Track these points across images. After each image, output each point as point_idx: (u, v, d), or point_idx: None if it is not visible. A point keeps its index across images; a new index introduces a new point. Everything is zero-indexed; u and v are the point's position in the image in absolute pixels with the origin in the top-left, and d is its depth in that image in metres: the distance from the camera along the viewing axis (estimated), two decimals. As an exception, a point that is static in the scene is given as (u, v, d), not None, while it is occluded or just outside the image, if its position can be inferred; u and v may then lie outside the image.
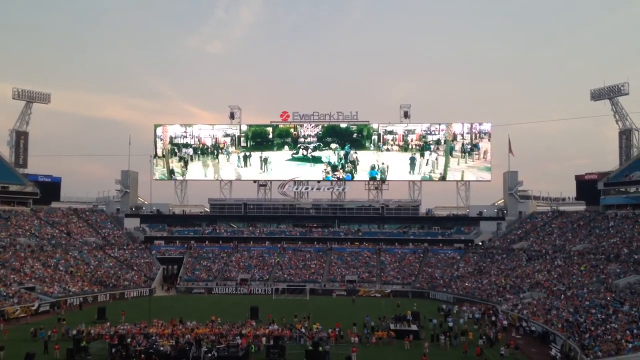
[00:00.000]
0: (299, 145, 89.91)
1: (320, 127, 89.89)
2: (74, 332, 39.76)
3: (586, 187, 78.75)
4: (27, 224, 77.19)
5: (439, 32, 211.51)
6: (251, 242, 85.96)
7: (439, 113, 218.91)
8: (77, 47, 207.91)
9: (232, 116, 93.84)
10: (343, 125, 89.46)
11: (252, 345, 36.73)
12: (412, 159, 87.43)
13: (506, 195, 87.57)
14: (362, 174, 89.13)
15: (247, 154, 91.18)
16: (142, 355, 33.36)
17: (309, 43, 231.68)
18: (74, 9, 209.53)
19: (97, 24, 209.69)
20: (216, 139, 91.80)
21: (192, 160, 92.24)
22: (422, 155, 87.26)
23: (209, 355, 33.25)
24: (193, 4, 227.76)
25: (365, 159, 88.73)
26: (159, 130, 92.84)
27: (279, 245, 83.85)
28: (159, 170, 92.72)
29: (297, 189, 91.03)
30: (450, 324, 45.11)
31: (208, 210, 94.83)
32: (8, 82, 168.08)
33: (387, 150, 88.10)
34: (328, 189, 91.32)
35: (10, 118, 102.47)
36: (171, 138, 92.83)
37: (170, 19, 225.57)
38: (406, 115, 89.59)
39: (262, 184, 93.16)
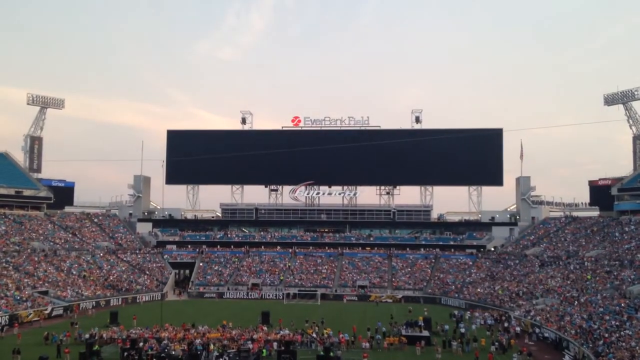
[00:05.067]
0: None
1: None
2: (87, 336, 40.00)
3: (600, 192, 78.00)
4: (41, 229, 78.03)
5: (448, 36, 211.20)
6: (262, 247, 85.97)
7: (450, 118, 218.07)
8: (91, 54, 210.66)
9: (243, 121, 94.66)
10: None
11: (264, 350, 36.77)
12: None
13: (519, 200, 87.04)
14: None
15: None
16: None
17: (319, 48, 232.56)
18: (87, 16, 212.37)
19: (110, 31, 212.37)
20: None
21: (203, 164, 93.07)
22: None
23: (221, 359, 33.35)
24: (204, 11, 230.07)
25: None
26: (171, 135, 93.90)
27: (290, 250, 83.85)
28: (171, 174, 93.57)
29: (308, 193, 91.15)
30: (463, 330, 44.82)
31: (219, 215, 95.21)
32: (23, 88, 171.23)
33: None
34: (339, 193, 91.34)
35: (25, 123, 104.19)
36: (183, 142, 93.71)
37: (181, 26, 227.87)
38: (417, 120, 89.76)
39: (273, 189, 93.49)
